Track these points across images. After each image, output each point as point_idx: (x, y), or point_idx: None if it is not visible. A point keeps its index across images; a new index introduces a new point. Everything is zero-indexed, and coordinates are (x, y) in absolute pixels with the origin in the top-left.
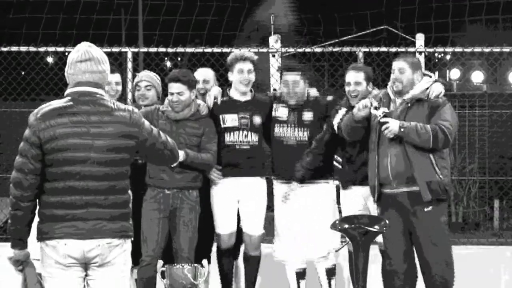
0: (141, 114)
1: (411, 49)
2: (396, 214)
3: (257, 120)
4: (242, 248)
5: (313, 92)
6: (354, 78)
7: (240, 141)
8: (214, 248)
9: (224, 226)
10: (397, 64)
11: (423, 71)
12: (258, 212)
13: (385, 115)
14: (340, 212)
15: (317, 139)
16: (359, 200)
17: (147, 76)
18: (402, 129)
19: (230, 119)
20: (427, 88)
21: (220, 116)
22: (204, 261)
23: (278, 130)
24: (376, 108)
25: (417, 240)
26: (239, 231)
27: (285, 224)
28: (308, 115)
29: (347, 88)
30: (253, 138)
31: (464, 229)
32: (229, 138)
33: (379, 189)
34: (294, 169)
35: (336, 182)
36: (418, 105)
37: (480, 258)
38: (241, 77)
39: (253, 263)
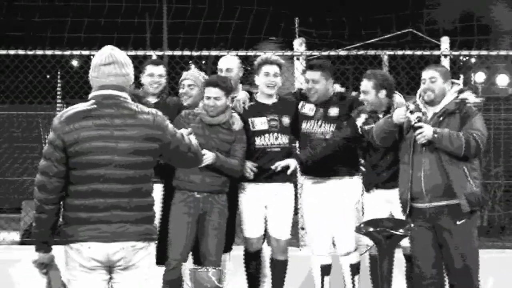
0: (182, 116)
1: (436, 52)
2: (427, 226)
3: (286, 121)
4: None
5: (338, 88)
6: (363, 88)
7: (271, 144)
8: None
9: (252, 230)
10: (427, 74)
11: (452, 80)
12: (286, 217)
13: (420, 119)
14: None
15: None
16: (382, 203)
17: (192, 75)
18: (435, 135)
19: (259, 123)
20: (456, 98)
21: (249, 120)
22: (229, 263)
23: (306, 126)
24: (411, 112)
25: (449, 251)
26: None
27: (313, 219)
28: (334, 111)
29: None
30: (284, 139)
31: (489, 233)
32: (260, 141)
33: (410, 203)
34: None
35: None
36: (450, 117)
37: (505, 262)
38: (266, 80)
39: (280, 268)
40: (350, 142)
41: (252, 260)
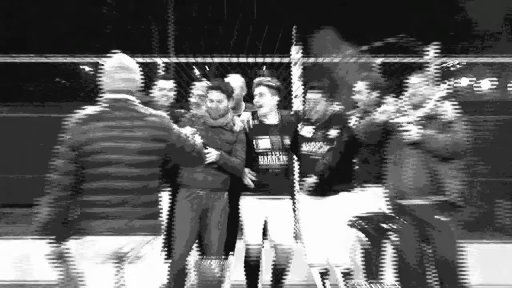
0: (186, 119)
1: (424, 59)
2: (412, 221)
3: (287, 141)
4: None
5: (336, 108)
6: (357, 88)
7: (273, 163)
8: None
9: (252, 237)
10: (413, 80)
11: (435, 87)
12: (287, 226)
13: (408, 122)
14: None
15: (337, 139)
16: (372, 199)
17: (202, 87)
18: (423, 136)
19: (263, 143)
20: (438, 103)
21: (254, 140)
22: (230, 257)
23: (305, 147)
24: (401, 116)
25: (434, 246)
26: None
27: (310, 232)
28: (333, 132)
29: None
30: (284, 159)
31: (472, 227)
32: (263, 161)
33: (396, 200)
34: (315, 165)
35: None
36: (432, 121)
37: (488, 254)
38: (254, 101)
39: (280, 273)
40: (348, 156)
41: (252, 268)
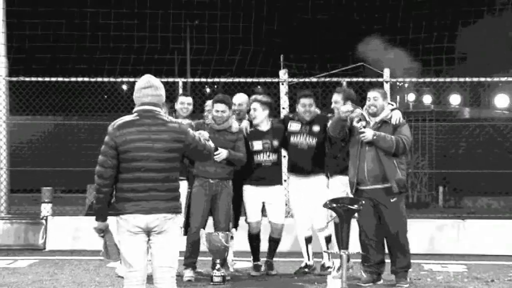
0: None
1: (380, 79)
2: (369, 202)
3: (276, 143)
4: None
5: (318, 111)
6: (334, 99)
7: (265, 160)
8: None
9: (252, 216)
10: (372, 94)
11: (388, 101)
12: (280, 209)
13: (364, 126)
14: None
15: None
16: (340, 186)
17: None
18: (375, 137)
19: (256, 145)
20: (389, 113)
21: (250, 142)
22: (233, 230)
23: (293, 139)
24: (359, 120)
25: (385, 220)
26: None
27: (298, 205)
28: (316, 128)
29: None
30: (274, 157)
31: (417, 207)
32: (257, 158)
33: (356, 185)
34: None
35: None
36: (385, 125)
37: (429, 228)
38: (250, 114)
39: (275, 244)
40: (324, 148)
41: (254, 239)
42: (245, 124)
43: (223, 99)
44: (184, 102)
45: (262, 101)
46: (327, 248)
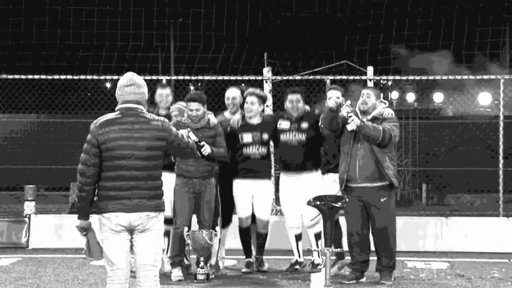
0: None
1: (364, 77)
2: (358, 201)
3: (265, 137)
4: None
5: (307, 108)
6: (331, 95)
7: (254, 153)
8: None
9: (242, 211)
10: (365, 91)
11: (381, 99)
12: (267, 204)
13: (350, 115)
14: None
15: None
16: (331, 183)
17: (176, 109)
18: (361, 123)
19: (246, 137)
20: (382, 109)
21: (239, 135)
22: (217, 228)
23: (283, 137)
24: (347, 112)
25: (373, 219)
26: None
27: (288, 202)
28: (304, 125)
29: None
30: (263, 150)
31: (401, 205)
32: (246, 150)
33: (345, 182)
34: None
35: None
36: (375, 121)
37: (412, 226)
38: (245, 107)
39: (262, 238)
40: (316, 144)
41: (244, 233)
42: (237, 117)
43: (195, 97)
44: (163, 94)
45: (260, 95)
46: (317, 245)
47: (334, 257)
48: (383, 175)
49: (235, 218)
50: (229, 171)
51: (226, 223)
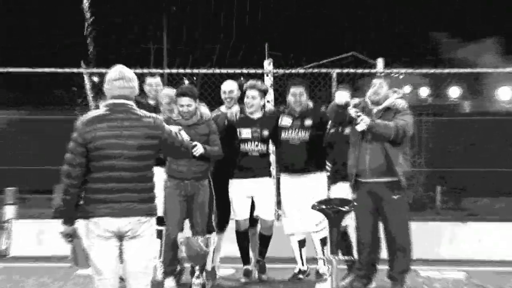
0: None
1: (373, 71)
2: (368, 197)
3: (265, 133)
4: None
5: (310, 104)
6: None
7: (252, 149)
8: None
9: (240, 214)
10: (377, 81)
11: (394, 89)
12: (269, 203)
13: (359, 115)
14: None
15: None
16: (342, 193)
17: (166, 96)
18: (371, 123)
19: (245, 132)
20: (395, 100)
21: (238, 129)
22: (213, 234)
23: (284, 134)
24: (354, 106)
25: (386, 220)
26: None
27: (290, 205)
28: (308, 122)
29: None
30: (262, 147)
31: (414, 209)
32: (244, 146)
33: (355, 176)
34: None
35: (327, 173)
36: (387, 112)
37: (427, 232)
38: (246, 101)
39: (266, 240)
40: (321, 144)
41: (242, 237)
42: (235, 110)
43: (186, 92)
44: (152, 83)
45: (261, 89)
46: (323, 252)
47: (344, 267)
48: (394, 171)
49: (231, 222)
50: (224, 169)
51: (221, 227)
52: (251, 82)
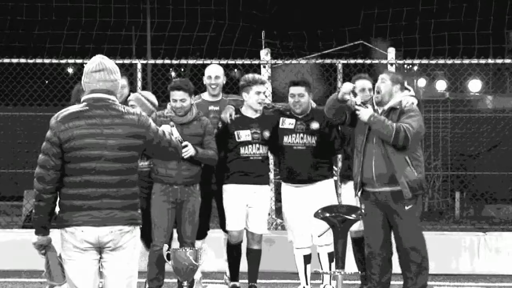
0: (152, 119)
1: (383, 61)
2: (377, 208)
3: (266, 134)
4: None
5: (313, 104)
6: (362, 85)
7: (254, 153)
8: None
9: (234, 224)
10: (380, 76)
11: (405, 85)
12: (263, 215)
13: (361, 104)
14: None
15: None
16: (352, 194)
17: (135, 98)
18: (371, 118)
19: (244, 135)
20: (403, 98)
21: (235, 132)
22: (204, 245)
23: (287, 139)
24: (355, 95)
25: (397, 232)
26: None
27: (294, 218)
28: (315, 125)
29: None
30: (263, 150)
31: (429, 217)
32: (244, 150)
33: (361, 186)
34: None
35: (335, 178)
36: (392, 112)
37: (444, 243)
38: (258, 98)
39: (255, 256)
40: (330, 150)
41: (234, 251)
42: (230, 109)
43: (180, 85)
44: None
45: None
46: (330, 267)
47: (354, 282)
48: (396, 179)
49: (215, 234)
50: (209, 173)
51: (201, 236)
52: (257, 76)
